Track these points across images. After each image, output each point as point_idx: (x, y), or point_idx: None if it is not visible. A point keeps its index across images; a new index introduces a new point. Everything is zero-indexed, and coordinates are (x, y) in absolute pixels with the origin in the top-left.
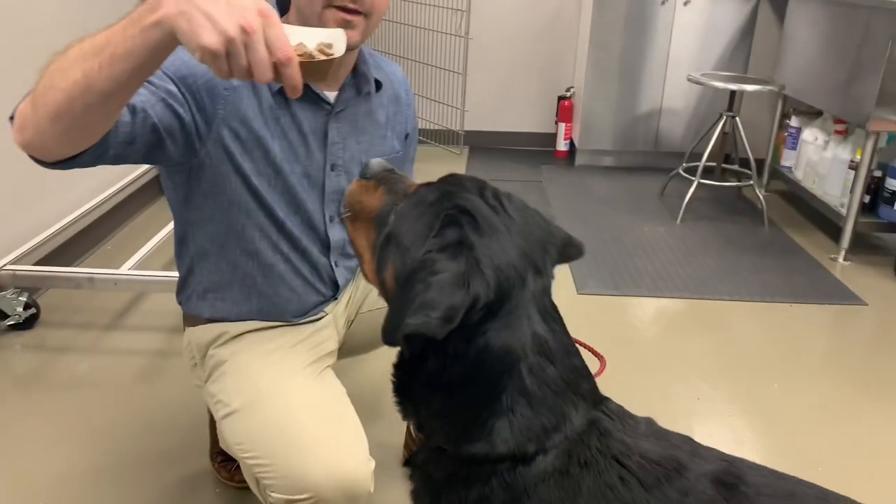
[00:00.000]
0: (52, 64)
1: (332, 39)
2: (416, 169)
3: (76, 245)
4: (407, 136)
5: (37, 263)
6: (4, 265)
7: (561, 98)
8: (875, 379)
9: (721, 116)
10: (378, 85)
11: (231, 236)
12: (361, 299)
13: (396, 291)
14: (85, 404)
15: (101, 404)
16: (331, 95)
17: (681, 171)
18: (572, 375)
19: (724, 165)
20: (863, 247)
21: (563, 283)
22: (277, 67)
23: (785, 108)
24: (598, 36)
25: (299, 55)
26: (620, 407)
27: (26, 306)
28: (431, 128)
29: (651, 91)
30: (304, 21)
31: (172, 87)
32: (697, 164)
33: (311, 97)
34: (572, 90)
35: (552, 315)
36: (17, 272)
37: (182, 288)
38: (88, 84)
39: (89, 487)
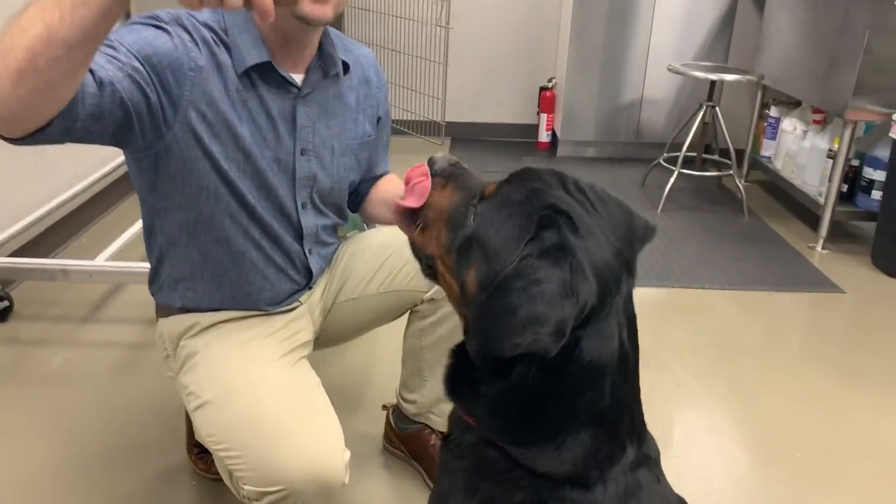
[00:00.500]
0: (12, 27)
1: None
2: (398, 160)
3: (51, 236)
4: (379, 119)
5: (10, 255)
6: None
7: (543, 89)
8: (853, 366)
9: (701, 106)
10: (346, 67)
11: (200, 223)
12: (338, 289)
13: (482, 298)
14: (60, 398)
15: (76, 397)
16: (298, 78)
17: (662, 162)
18: (635, 403)
19: (704, 156)
20: (841, 235)
21: None
22: None
23: (764, 98)
24: (579, 26)
25: None
26: (658, 456)
27: None
28: (412, 118)
29: (632, 81)
30: None
31: (138, 65)
32: (678, 154)
33: (277, 80)
34: (554, 81)
35: (634, 323)
36: None
37: (153, 278)
38: (51, 35)
39: (66, 481)
